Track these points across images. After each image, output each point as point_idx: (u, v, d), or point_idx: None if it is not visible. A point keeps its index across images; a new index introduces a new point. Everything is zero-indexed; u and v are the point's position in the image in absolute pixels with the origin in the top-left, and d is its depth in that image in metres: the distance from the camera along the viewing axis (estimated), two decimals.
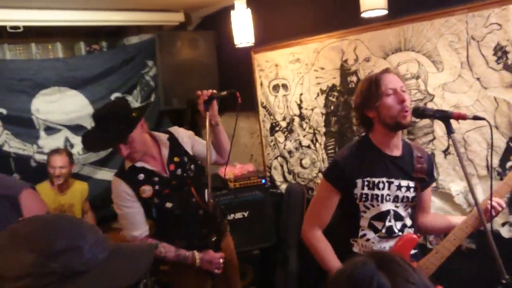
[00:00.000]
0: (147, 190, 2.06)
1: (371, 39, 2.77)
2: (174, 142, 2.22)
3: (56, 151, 3.32)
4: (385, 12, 2.33)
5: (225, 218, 2.47)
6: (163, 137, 2.21)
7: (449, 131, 1.62)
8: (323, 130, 3.23)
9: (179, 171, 2.17)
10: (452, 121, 1.63)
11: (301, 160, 3.46)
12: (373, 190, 1.79)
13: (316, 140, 3.30)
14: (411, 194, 1.83)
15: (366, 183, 1.79)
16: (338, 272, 0.79)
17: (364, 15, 2.34)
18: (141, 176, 2.08)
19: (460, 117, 1.59)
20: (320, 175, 3.30)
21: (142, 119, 2.06)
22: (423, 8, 2.44)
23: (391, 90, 1.74)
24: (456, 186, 2.49)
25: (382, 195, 1.80)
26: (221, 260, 2.12)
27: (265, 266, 3.41)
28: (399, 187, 1.81)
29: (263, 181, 3.45)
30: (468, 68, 2.33)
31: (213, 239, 2.15)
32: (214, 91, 2.16)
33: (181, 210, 2.14)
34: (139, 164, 2.08)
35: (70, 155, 3.39)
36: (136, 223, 2.10)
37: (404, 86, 1.80)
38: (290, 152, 3.54)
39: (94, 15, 3.73)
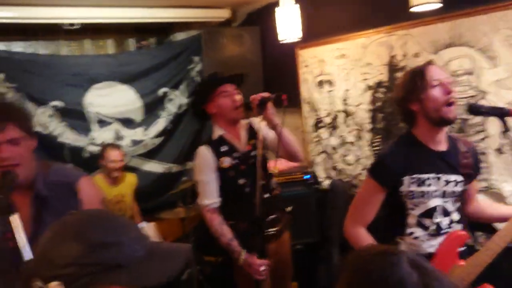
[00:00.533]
0: (226, 161, 2.24)
1: (422, 34, 2.71)
2: (250, 127, 2.40)
3: (113, 145, 3.48)
4: (439, 6, 2.27)
5: (285, 212, 2.50)
6: (243, 121, 2.42)
7: (506, 129, 1.56)
8: (368, 126, 3.20)
9: (253, 153, 2.31)
10: (509, 119, 1.58)
11: (345, 156, 3.43)
12: (421, 187, 1.76)
13: (361, 136, 3.27)
14: (459, 188, 1.79)
15: (413, 180, 1.75)
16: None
17: (414, 9, 2.29)
18: (224, 148, 2.27)
19: None
20: (365, 172, 3.26)
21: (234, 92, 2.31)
22: (479, 2, 2.36)
23: (436, 81, 1.70)
24: (509, 186, 2.41)
25: (429, 191, 1.76)
26: (262, 268, 2.14)
27: (308, 262, 3.41)
28: (447, 183, 1.77)
29: (307, 176, 3.45)
30: None
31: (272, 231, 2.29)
32: (266, 94, 2.17)
33: (250, 189, 2.23)
34: (225, 136, 2.28)
35: (121, 149, 3.55)
36: (209, 192, 2.26)
37: (449, 78, 1.75)
38: (334, 148, 3.52)
39: (143, 12, 3.86)
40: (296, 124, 3.96)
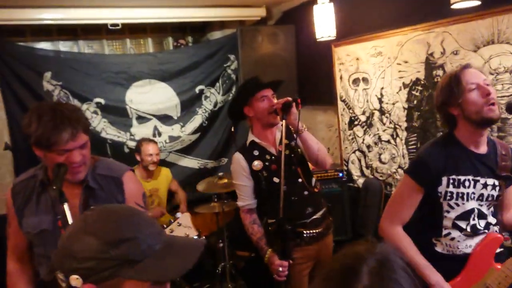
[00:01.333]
0: (257, 164, 2.31)
1: (461, 31, 2.66)
2: (286, 127, 2.37)
3: (149, 140, 3.61)
4: (478, 3, 2.22)
5: (330, 214, 2.49)
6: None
7: None
8: (404, 125, 3.16)
9: (287, 152, 2.32)
10: None
11: (380, 155, 3.41)
12: (459, 188, 1.73)
13: (397, 135, 3.24)
14: (496, 192, 1.76)
15: (451, 181, 1.73)
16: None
17: (454, 6, 2.25)
18: (256, 152, 2.34)
19: None
20: (400, 170, 3.24)
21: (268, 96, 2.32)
22: None
23: (473, 84, 1.67)
24: None
25: (468, 193, 1.74)
26: (280, 269, 2.14)
27: None
28: (485, 186, 1.74)
29: (341, 174, 3.46)
30: None
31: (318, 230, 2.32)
32: (288, 98, 2.19)
33: (287, 186, 2.24)
34: (257, 140, 2.35)
35: (156, 143, 3.67)
36: (242, 194, 2.36)
37: (487, 80, 1.71)
38: (368, 146, 3.50)
39: (181, 12, 3.97)
40: (331, 122, 3.97)
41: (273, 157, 2.33)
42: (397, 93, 3.17)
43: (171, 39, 4.58)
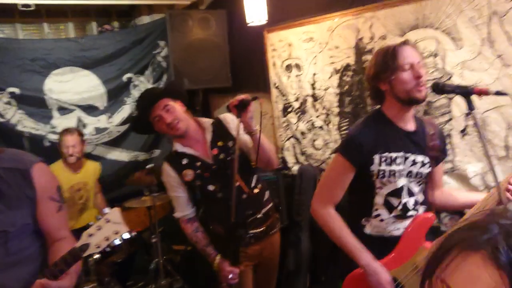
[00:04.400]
0: (188, 174, 2.17)
1: (388, 16, 2.70)
2: (219, 126, 2.25)
3: (67, 130, 3.33)
4: None
5: (276, 212, 2.42)
6: (207, 122, 2.28)
7: (470, 107, 1.56)
8: (336, 110, 3.18)
9: (222, 155, 2.19)
10: (473, 99, 1.58)
11: (313, 141, 3.42)
12: (391, 166, 1.74)
13: (329, 121, 3.25)
14: (425, 170, 1.78)
15: (383, 158, 1.73)
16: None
17: None
18: (185, 161, 2.19)
19: (482, 92, 1.53)
20: (333, 156, 3.26)
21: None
22: None
23: (408, 64, 1.66)
24: (473, 167, 2.44)
25: (399, 170, 1.75)
26: (230, 276, 2.07)
27: None
28: (414, 163, 1.77)
29: None
30: (489, 45, 2.26)
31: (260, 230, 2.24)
32: (245, 96, 1.99)
33: (223, 193, 2.15)
34: (181, 149, 2.19)
35: (81, 134, 3.40)
36: (179, 205, 2.25)
37: (422, 61, 1.72)
38: (302, 133, 3.49)
39: None
40: (265, 109, 3.91)
41: (205, 164, 2.18)
42: (329, 78, 3.18)
43: (95, 25, 4.27)
